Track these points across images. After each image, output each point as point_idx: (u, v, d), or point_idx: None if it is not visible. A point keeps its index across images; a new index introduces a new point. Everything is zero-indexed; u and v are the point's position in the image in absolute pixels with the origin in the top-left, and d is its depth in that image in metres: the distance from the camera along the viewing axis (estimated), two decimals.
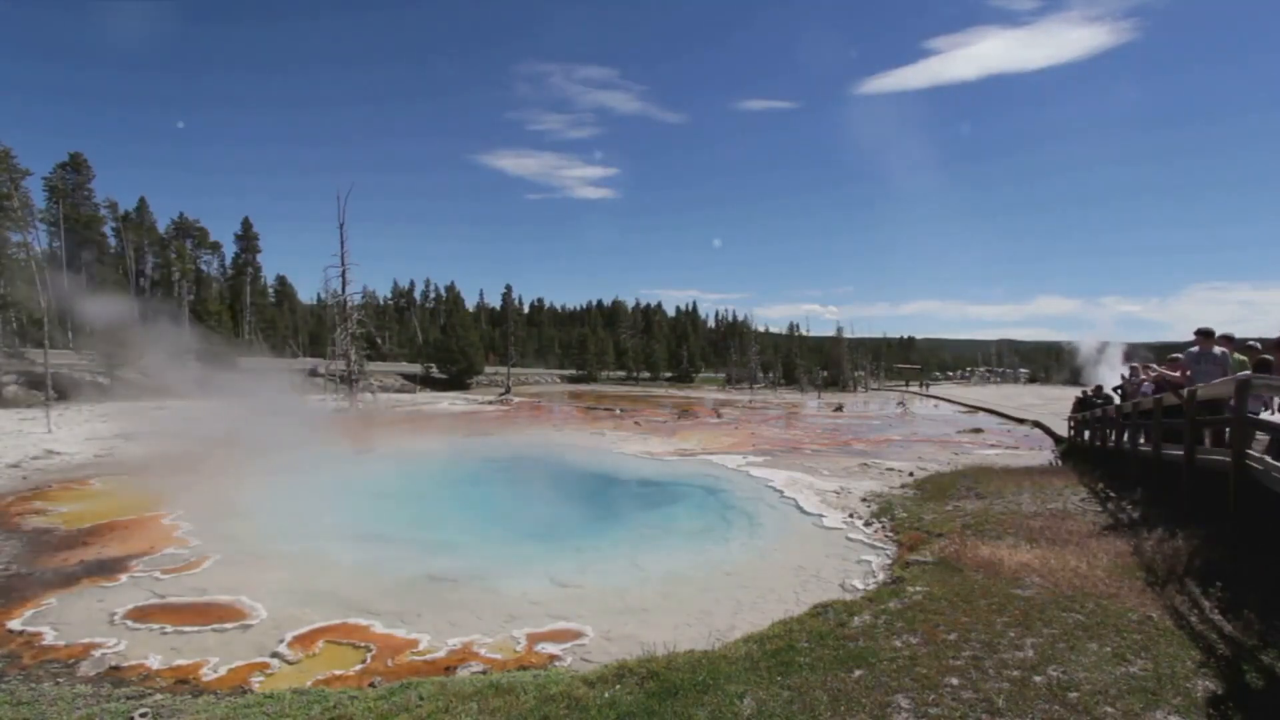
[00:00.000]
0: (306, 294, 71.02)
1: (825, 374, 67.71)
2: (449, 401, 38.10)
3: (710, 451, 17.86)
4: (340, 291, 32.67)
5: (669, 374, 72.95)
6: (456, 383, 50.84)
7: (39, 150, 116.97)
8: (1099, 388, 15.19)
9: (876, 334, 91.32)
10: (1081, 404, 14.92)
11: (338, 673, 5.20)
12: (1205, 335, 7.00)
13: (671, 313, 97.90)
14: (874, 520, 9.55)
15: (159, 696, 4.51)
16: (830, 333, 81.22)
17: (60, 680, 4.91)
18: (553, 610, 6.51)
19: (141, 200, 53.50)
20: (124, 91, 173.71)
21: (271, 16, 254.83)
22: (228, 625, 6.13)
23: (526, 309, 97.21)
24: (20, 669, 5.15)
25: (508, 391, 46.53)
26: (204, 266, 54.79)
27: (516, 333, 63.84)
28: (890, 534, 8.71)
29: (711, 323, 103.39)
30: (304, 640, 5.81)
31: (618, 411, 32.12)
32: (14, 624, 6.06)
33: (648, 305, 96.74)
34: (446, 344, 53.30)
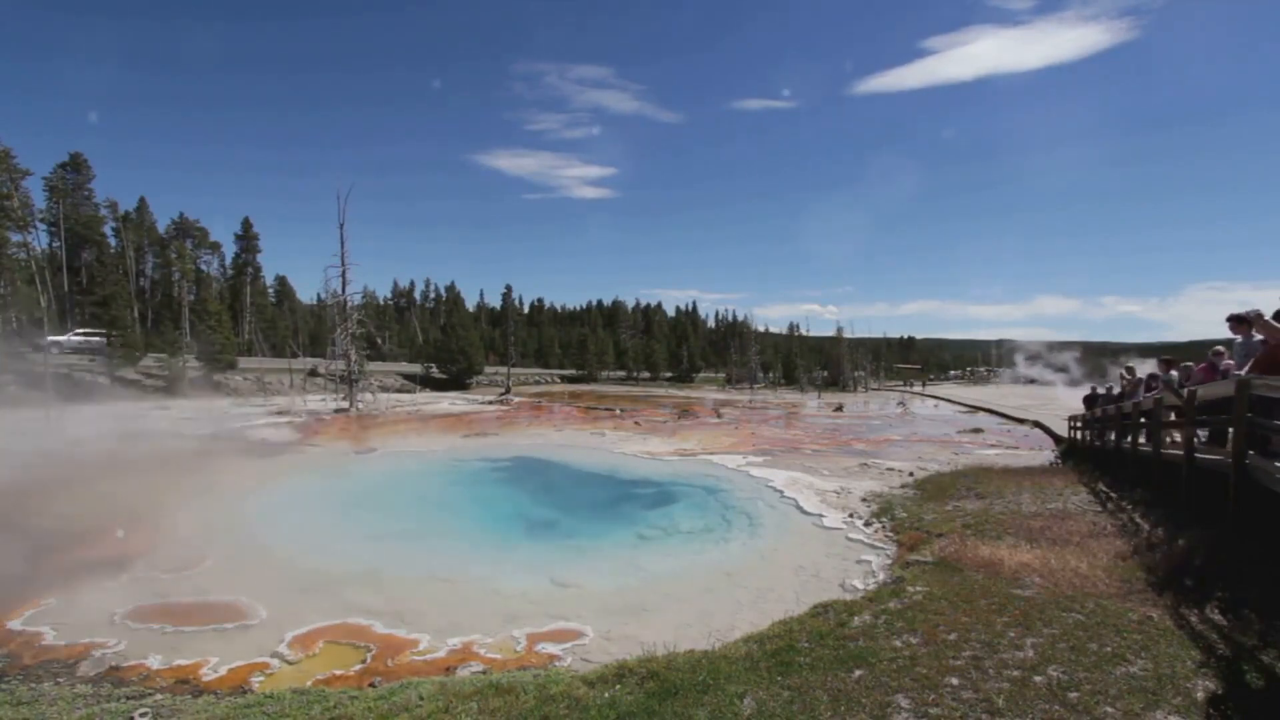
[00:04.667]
0: (306, 294, 71.15)
1: (825, 374, 67.72)
2: (449, 401, 38.07)
3: (710, 451, 17.86)
4: (340, 291, 32.70)
5: (669, 374, 72.87)
6: (456, 383, 50.81)
7: (39, 150, 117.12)
8: (1094, 389, 15.15)
9: (876, 334, 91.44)
10: (1090, 402, 14.78)
11: (338, 673, 5.20)
12: (1238, 320, 6.00)
13: (671, 313, 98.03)
14: (874, 520, 9.55)
15: (159, 696, 4.51)
16: (830, 333, 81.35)
17: (60, 680, 4.92)
18: (553, 610, 6.52)
19: (141, 200, 53.59)
20: (124, 91, 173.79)
21: (271, 17, 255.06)
22: (228, 625, 6.13)
23: (526, 309, 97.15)
24: (20, 669, 5.16)
25: (508, 391, 46.51)
26: (204, 266, 54.84)
27: (516, 333, 63.83)
28: (890, 534, 8.71)
29: (711, 323, 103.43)
30: (304, 640, 5.82)
31: (618, 411, 32.11)
32: (14, 624, 6.07)
33: (648, 305, 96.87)
34: (446, 344, 53.30)
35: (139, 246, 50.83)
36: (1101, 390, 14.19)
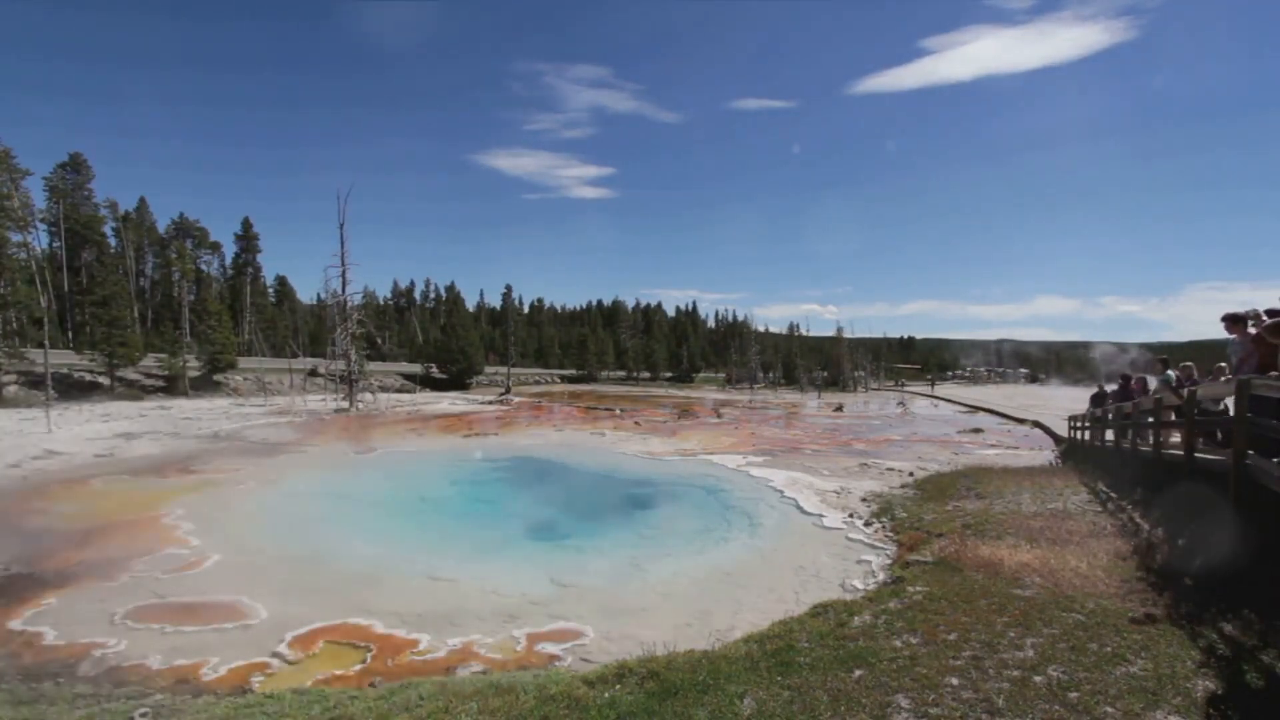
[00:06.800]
0: (306, 294, 71.14)
1: (825, 374, 67.73)
2: (449, 401, 38.08)
3: (710, 451, 17.86)
4: (340, 291, 32.74)
5: (669, 374, 72.92)
6: (456, 383, 50.83)
7: (39, 150, 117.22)
8: (1102, 388, 15.04)
9: (876, 334, 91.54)
10: (1098, 400, 14.59)
11: (338, 673, 5.20)
12: (1233, 320, 6.03)
13: (671, 313, 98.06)
14: (874, 520, 9.55)
15: (159, 696, 4.51)
16: (830, 333, 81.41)
17: (60, 680, 4.92)
18: (553, 610, 6.52)
19: (141, 200, 53.74)
20: (124, 91, 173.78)
21: (271, 17, 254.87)
22: (228, 625, 6.13)
23: (526, 309, 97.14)
24: (20, 669, 5.15)
25: (508, 391, 46.52)
26: (204, 266, 54.86)
27: (516, 333, 63.84)
28: (890, 534, 8.71)
29: (711, 323, 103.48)
30: (304, 640, 5.81)
31: (618, 411, 32.11)
32: (14, 624, 6.06)
33: (648, 305, 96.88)
34: (446, 344, 53.32)
35: (139, 246, 50.86)
36: (1111, 389, 14.01)
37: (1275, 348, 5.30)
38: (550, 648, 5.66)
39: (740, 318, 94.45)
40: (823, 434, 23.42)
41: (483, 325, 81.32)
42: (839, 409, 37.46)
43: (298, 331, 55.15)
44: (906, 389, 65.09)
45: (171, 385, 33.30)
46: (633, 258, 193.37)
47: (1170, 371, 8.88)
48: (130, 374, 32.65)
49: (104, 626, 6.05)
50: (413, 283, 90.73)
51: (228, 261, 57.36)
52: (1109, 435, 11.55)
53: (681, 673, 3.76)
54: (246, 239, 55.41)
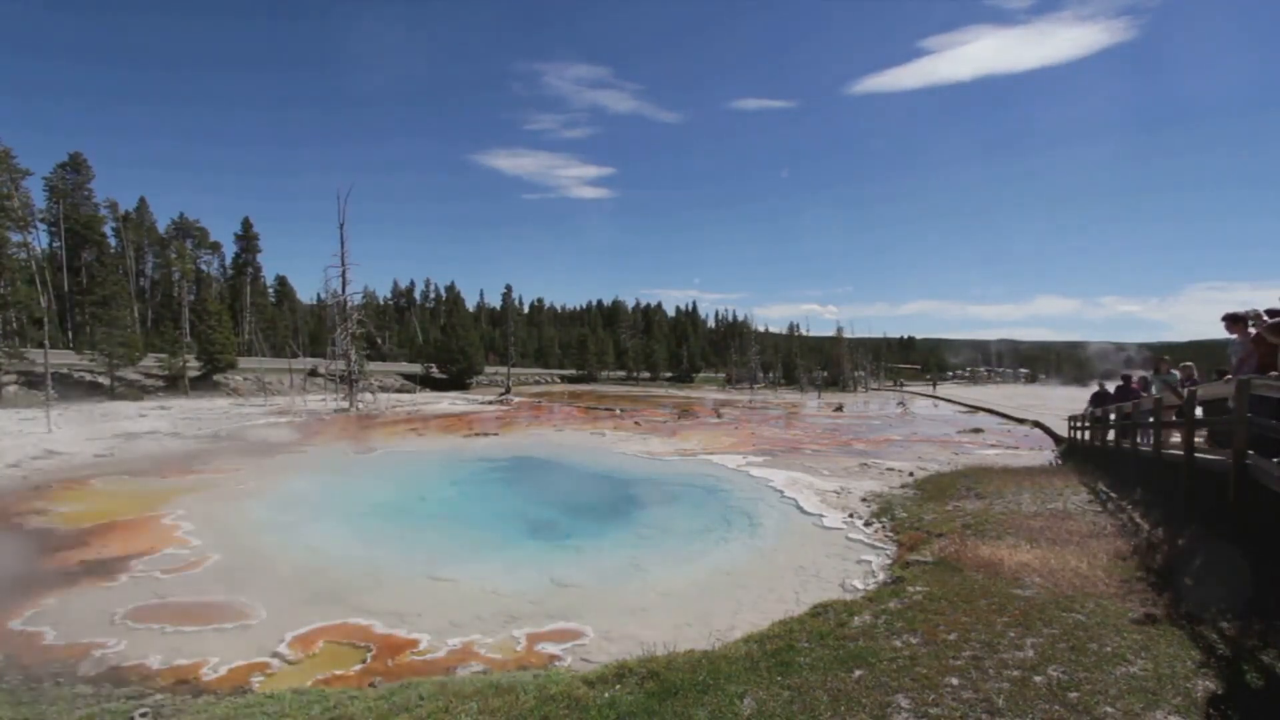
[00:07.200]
0: (306, 294, 71.14)
1: (825, 374, 67.74)
2: (449, 401, 38.08)
3: (710, 451, 17.86)
4: (340, 291, 32.75)
5: (669, 374, 72.93)
6: (456, 383, 50.82)
7: (39, 150, 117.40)
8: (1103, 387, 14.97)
9: (876, 334, 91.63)
10: (1100, 399, 14.48)
11: (338, 673, 5.20)
12: (1233, 320, 6.09)
13: (671, 313, 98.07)
14: (874, 520, 9.55)
15: (159, 696, 4.51)
16: (830, 333, 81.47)
17: (60, 680, 4.92)
18: (553, 610, 6.52)
19: (141, 200, 53.70)
20: (124, 91, 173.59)
21: (270, 17, 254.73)
22: (228, 625, 6.13)
23: (526, 309, 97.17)
24: (20, 669, 5.15)
25: (508, 391, 46.52)
26: (204, 266, 54.87)
27: (516, 333, 63.84)
28: (890, 534, 8.71)
29: (711, 323, 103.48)
30: (304, 640, 5.82)
31: (618, 411, 32.12)
32: (14, 624, 6.07)
33: (647, 305, 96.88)
34: (446, 344, 53.31)
35: (139, 246, 50.85)
36: (1111, 388, 13.94)
37: (1275, 348, 5.30)
38: (550, 648, 5.66)
39: (740, 318, 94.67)
40: (823, 434, 23.42)
41: (483, 325, 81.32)
42: (839, 409, 37.47)
43: (298, 331, 55.12)
44: (906, 389, 65.22)
45: (171, 385, 33.31)
46: (632, 258, 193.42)
47: (1174, 371, 8.89)
48: (130, 374, 32.65)
49: (104, 626, 6.05)
50: (413, 283, 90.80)
51: (228, 261, 57.36)
52: (1109, 435, 11.55)
53: (681, 673, 3.76)
54: (246, 239, 55.38)
